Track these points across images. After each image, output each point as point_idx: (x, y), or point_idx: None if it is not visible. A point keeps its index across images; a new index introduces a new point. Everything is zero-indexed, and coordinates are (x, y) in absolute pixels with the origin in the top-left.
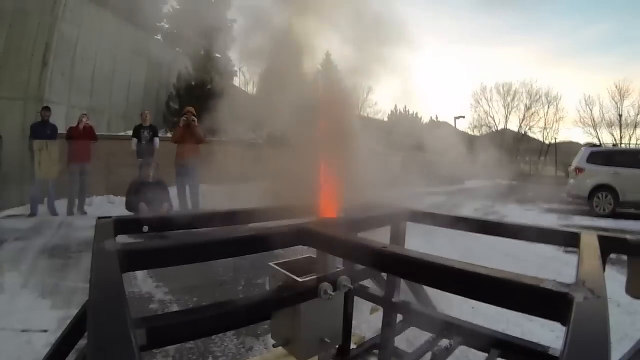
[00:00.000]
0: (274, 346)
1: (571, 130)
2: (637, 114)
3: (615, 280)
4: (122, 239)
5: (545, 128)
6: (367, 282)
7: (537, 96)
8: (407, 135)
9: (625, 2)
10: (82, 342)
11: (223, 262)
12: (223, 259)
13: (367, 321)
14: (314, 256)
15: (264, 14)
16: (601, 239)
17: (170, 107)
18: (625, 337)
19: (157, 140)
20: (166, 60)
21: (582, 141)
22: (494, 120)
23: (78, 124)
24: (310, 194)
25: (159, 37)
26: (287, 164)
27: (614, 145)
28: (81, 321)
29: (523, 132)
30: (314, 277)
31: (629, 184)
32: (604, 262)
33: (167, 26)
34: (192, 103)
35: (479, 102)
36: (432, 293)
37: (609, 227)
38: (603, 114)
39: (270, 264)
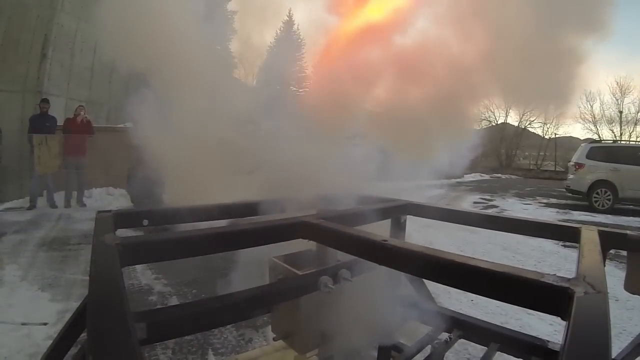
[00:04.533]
0: (274, 339)
1: (571, 126)
2: (638, 111)
3: (613, 275)
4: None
5: (545, 123)
6: None
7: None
8: None
9: None
10: (83, 337)
11: (222, 255)
12: (223, 252)
13: None
14: (314, 250)
15: None
16: (601, 234)
17: None
18: (624, 331)
19: None
20: None
21: (582, 137)
22: (494, 115)
23: (75, 116)
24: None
25: None
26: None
27: (613, 141)
28: (81, 315)
29: (523, 127)
30: (314, 270)
31: (628, 180)
32: (604, 258)
33: None
34: None
35: None
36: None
37: (607, 222)
38: (603, 111)
39: (271, 257)
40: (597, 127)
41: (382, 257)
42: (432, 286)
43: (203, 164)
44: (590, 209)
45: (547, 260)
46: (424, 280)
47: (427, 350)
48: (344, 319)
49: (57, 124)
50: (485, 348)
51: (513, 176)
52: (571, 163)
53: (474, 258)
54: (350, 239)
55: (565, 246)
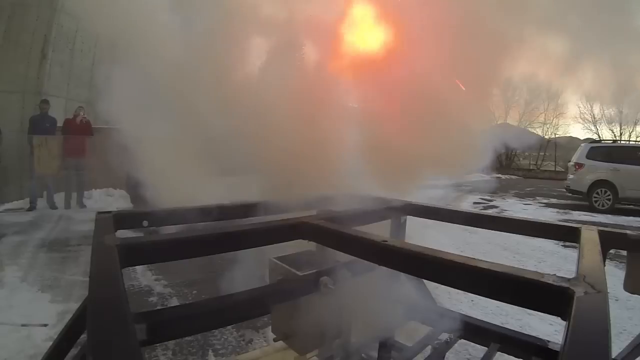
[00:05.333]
0: (274, 340)
1: (571, 126)
2: (638, 112)
3: (613, 275)
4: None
5: (545, 123)
6: None
7: (538, 91)
8: None
9: None
10: (83, 338)
11: (223, 256)
12: (223, 253)
13: None
14: (314, 250)
15: None
16: (601, 234)
17: None
18: (624, 331)
19: None
20: None
21: (581, 137)
22: (494, 114)
23: (75, 117)
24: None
25: None
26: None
27: (613, 141)
28: (82, 317)
29: (523, 127)
30: (314, 271)
31: (628, 180)
32: (604, 258)
33: None
34: None
35: None
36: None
37: (607, 222)
38: (603, 111)
39: (271, 258)
40: (597, 127)
41: (382, 258)
42: (432, 286)
43: (185, 158)
44: (590, 209)
45: (547, 260)
46: (424, 280)
47: (427, 350)
48: (344, 319)
49: (57, 124)
50: (485, 348)
51: (513, 176)
52: (571, 163)
53: (473, 258)
54: (350, 240)
55: (565, 246)
